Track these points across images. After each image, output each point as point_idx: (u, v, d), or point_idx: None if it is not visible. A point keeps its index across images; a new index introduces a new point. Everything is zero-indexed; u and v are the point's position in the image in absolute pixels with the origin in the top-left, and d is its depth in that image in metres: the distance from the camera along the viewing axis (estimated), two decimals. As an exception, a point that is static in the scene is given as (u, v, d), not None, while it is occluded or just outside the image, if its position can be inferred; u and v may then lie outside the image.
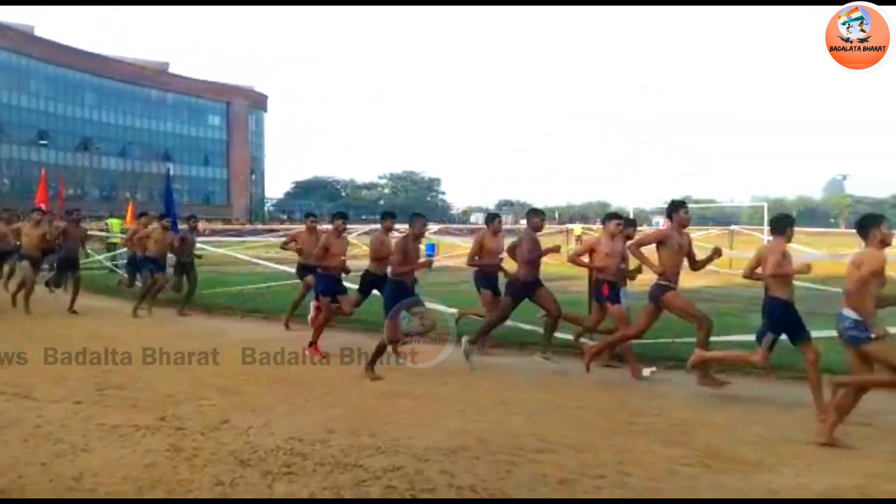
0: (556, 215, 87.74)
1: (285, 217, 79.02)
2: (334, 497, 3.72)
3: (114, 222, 17.65)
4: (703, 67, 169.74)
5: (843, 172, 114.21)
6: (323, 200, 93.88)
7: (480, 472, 4.10)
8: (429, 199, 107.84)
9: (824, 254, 15.92)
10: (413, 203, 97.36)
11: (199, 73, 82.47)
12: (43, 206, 18.17)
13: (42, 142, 65.25)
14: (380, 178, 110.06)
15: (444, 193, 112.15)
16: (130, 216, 24.40)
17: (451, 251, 19.48)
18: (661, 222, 68.06)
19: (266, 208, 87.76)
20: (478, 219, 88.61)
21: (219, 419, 5.08)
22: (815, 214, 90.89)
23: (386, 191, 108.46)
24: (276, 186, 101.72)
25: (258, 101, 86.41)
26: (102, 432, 4.76)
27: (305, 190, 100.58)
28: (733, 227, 24.28)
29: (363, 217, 72.93)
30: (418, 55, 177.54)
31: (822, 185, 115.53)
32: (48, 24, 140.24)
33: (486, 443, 4.63)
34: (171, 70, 79.12)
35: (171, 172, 73.84)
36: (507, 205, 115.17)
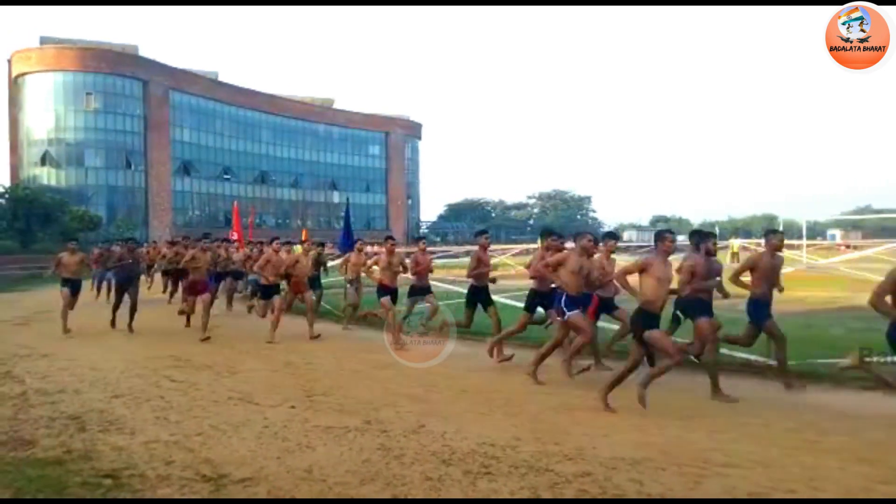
0: (717, 230, 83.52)
1: (438, 239, 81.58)
2: (533, 497, 4.07)
3: (297, 249, 19.26)
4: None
5: None
6: (474, 222, 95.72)
7: (668, 481, 4.28)
8: (579, 217, 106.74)
9: None
10: (563, 222, 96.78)
11: (360, 107, 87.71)
12: (236, 234, 20.34)
13: (226, 176, 72.23)
14: (529, 197, 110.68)
15: (594, 211, 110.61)
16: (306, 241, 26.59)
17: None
18: (837, 235, 62.68)
19: (421, 231, 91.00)
20: (631, 236, 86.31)
21: (416, 424, 5.62)
22: None
23: (535, 210, 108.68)
24: (430, 209, 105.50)
25: (413, 130, 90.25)
26: (319, 432, 5.43)
27: (457, 212, 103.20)
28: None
29: (513, 237, 73.56)
30: (564, 74, 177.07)
31: None
32: (229, 69, 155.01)
33: (670, 455, 4.78)
34: (336, 105, 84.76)
35: (337, 200, 79.57)
36: (660, 221, 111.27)
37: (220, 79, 73.40)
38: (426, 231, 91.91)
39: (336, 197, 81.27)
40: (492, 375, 7.72)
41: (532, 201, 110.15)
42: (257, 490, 4.20)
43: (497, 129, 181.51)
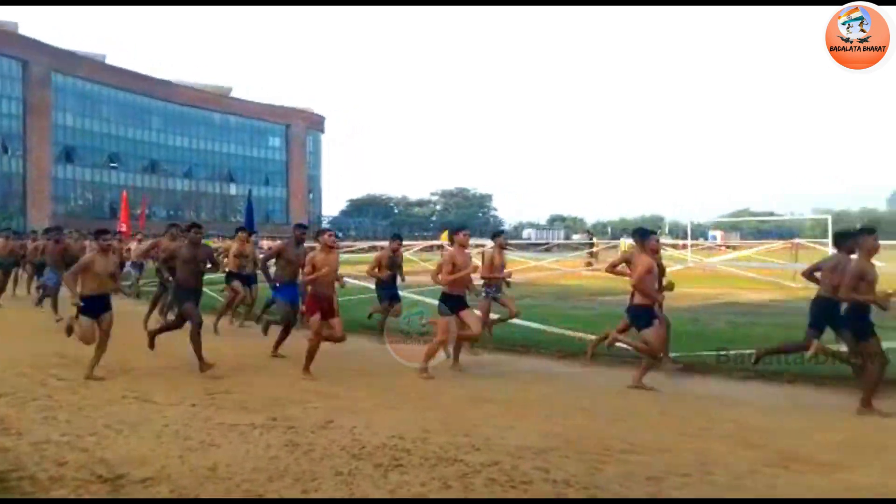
0: (608, 230, 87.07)
1: (340, 235, 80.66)
2: (443, 487, 4.12)
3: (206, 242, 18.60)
4: (759, 78, 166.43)
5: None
6: (377, 218, 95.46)
7: (572, 468, 4.44)
8: (480, 215, 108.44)
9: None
10: (465, 219, 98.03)
11: (260, 97, 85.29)
12: (125, 226, 19.38)
13: (112, 164, 68.50)
14: (432, 194, 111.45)
15: (495, 209, 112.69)
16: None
17: (509, 267, 19.91)
18: (718, 236, 67.03)
19: (323, 226, 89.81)
20: (530, 234, 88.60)
21: (324, 419, 5.55)
22: (879, 227, 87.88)
23: (438, 207, 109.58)
24: (332, 205, 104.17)
25: (315, 123, 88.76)
26: (223, 430, 5.27)
27: (360, 208, 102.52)
28: (797, 240, 24.01)
29: (416, 234, 73.93)
30: (468, 72, 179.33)
31: (886, 196, 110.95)
32: (118, 52, 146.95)
33: (573, 443, 4.97)
34: (234, 94, 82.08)
35: (234, 192, 76.99)
36: (557, 220, 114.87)
37: (108, 62, 69.50)
38: (328, 226, 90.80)
39: (233, 189, 78.77)
40: (402, 371, 7.72)
41: (435, 198, 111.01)
42: (159, 489, 4.04)
43: (401, 125, 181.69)
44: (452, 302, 7.45)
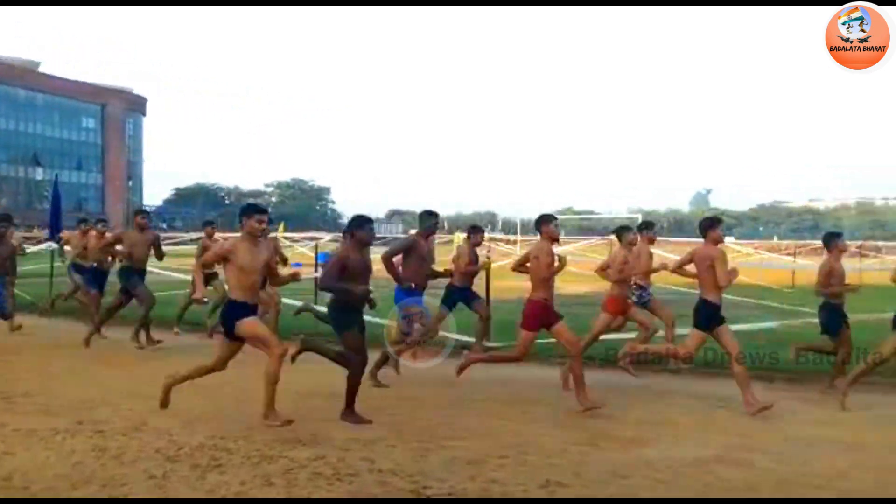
0: (445, 225, 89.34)
1: (164, 225, 75.91)
2: (265, 485, 4.03)
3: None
4: (590, 82, 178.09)
5: (708, 187, 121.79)
6: (206, 208, 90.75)
7: (398, 457, 4.53)
8: (318, 207, 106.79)
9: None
10: (303, 212, 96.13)
11: (73, 74, 77.88)
12: None
13: None
14: (266, 185, 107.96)
15: (333, 202, 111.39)
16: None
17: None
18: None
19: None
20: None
21: (138, 422, 5.23)
22: (682, 226, 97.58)
23: (273, 199, 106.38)
24: (155, 193, 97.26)
25: (136, 104, 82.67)
26: (20, 437, 4.82)
27: (187, 197, 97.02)
28: (613, 236, 26.12)
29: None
30: (304, 59, 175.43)
31: (688, 198, 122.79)
32: None
33: (400, 433, 5.07)
34: (42, 69, 74.38)
35: (40, 177, 69.89)
36: (396, 214, 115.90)
37: None
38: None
39: (39, 174, 71.43)
40: (226, 370, 7.42)
41: (270, 189, 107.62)
42: (-62, 506, 3.61)
43: (235, 112, 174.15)
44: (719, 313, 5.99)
